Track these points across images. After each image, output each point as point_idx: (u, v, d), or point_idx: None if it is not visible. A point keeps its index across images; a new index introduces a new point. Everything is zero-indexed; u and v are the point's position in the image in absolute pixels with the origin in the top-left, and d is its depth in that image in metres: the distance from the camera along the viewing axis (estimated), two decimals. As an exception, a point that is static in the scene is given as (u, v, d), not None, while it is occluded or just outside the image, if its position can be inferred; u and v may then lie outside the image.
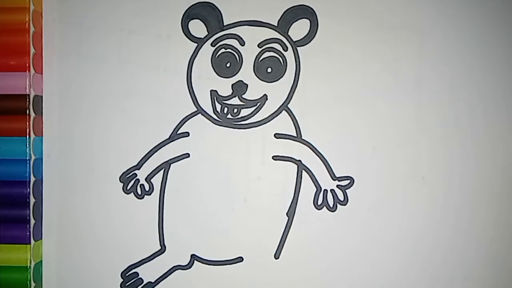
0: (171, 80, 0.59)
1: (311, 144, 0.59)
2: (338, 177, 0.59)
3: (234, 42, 0.58)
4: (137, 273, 0.61)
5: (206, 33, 0.59)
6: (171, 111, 0.60)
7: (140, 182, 0.60)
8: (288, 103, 0.59)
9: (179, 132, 0.60)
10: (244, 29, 0.58)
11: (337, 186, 0.59)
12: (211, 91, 0.59)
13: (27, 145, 0.58)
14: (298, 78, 0.59)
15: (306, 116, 0.59)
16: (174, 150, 0.60)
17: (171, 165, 0.60)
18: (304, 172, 0.60)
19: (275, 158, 0.60)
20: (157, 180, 0.60)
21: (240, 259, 0.60)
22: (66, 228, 0.61)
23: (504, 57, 0.59)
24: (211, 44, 0.59)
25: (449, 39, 0.59)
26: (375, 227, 0.60)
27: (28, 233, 0.58)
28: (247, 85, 0.59)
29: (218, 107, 0.59)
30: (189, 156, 0.60)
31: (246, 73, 0.59)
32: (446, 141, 0.59)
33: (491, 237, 0.60)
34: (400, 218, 0.60)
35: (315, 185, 0.60)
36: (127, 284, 0.61)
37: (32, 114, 0.58)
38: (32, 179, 0.59)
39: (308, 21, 0.58)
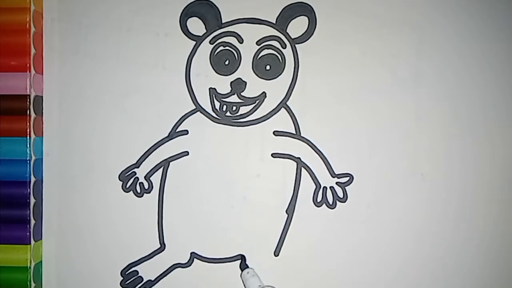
0: (170, 78, 0.60)
1: (310, 142, 0.59)
2: (338, 174, 0.59)
3: (232, 40, 0.59)
4: (137, 271, 0.61)
5: (205, 31, 0.59)
6: (170, 109, 0.60)
7: (139, 181, 0.60)
8: (287, 100, 0.59)
9: (178, 130, 0.60)
10: (243, 27, 0.59)
11: (337, 183, 0.59)
12: (209, 89, 0.59)
13: (28, 146, 0.58)
14: (297, 75, 0.59)
15: (305, 113, 0.59)
16: (173, 148, 0.60)
17: (170, 163, 0.60)
18: (303, 170, 0.60)
19: (274, 155, 0.60)
20: (156, 178, 0.61)
21: (239, 257, 0.60)
22: (66, 228, 0.62)
23: (503, 53, 0.59)
24: (210, 42, 0.59)
25: (447, 36, 0.59)
26: (375, 224, 0.60)
27: (28, 234, 0.59)
28: (245, 82, 0.59)
29: (217, 105, 0.59)
30: (188, 154, 0.60)
31: (245, 71, 0.59)
32: (445, 137, 0.59)
33: (491, 233, 0.59)
34: (400, 215, 0.60)
35: (314, 182, 0.60)
36: (127, 283, 0.61)
37: (33, 115, 0.59)
38: (33, 179, 0.59)
39: (306, 18, 0.59)
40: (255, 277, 0.57)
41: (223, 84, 0.59)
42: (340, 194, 0.59)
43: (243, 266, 0.59)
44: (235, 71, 0.59)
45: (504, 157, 0.59)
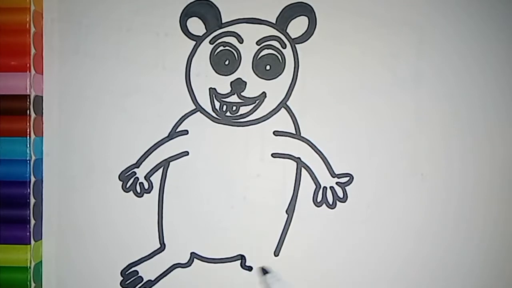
0: (170, 78, 0.60)
1: (310, 142, 0.59)
2: (338, 174, 0.59)
3: (232, 40, 0.59)
4: (137, 271, 0.61)
5: (205, 31, 0.59)
6: (170, 109, 0.60)
7: (139, 181, 0.60)
8: (287, 100, 0.59)
9: (178, 130, 0.60)
10: (243, 27, 0.59)
11: (337, 183, 0.59)
12: (209, 89, 0.59)
13: (28, 146, 0.58)
14: (297, 75, 0.59)
15: (305, 113, 0.59)
16: (173, 148, 0.60)
17: (170, 163, 0.60)
18: (303, 170, 0.60)
19: (274, 155, 0.60)
20: (156, 178, 0.60)
21: (239, 257, 0.60)
22: (66, 228, 0.61)
23: (503, 53, 0.59)
24: (210, 42, 0.59)
25: (447, 36, 0.59)
26: (375, 224, 0.60)
27: (28, 234, 0.58)
28: (245, 82, 0.59)
29: (217, 105, 0.59)
30: (188, 154, 0.60)
31: (245, 71, 0.59)
32: (445, 137, 0.59)
33: (491, 233, 0.59)
34: (400, 215, 0.59)
35: (314, 182, 0.60)
36: (127, 283, 0.61)
37: (33, 115, 0.58)
38: (32, 179, 0.59)
39: (306, 18, 0.59)
40: (280, 282, 0.57)
41: (223, 84, 0.59)
42: (340, 194, 0.59)
43: (264, 271, 0.59)
44: (235, 71, 0.59)
45: (504, 157, 0.59)
